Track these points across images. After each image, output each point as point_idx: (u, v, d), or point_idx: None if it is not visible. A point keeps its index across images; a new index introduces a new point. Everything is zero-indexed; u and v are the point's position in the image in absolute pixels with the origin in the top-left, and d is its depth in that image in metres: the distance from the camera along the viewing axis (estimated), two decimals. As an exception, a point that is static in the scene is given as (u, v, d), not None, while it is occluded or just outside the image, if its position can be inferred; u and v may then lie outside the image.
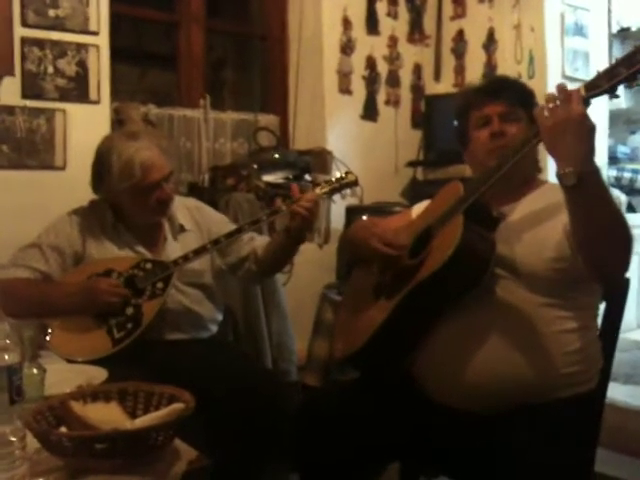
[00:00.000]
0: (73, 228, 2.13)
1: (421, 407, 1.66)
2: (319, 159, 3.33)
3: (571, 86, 1.44)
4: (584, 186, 1.37)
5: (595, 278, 1.58)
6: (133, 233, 2.16)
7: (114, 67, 2.94)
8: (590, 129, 1.38)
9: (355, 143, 3.56)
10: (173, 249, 2.17)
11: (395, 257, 1.70)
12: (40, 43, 2.70)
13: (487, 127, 1.70)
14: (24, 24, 2.65)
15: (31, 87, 2.69)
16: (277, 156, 3.24)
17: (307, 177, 3.19)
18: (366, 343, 1.70)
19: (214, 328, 2.26)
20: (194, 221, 2.25)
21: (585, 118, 1.37)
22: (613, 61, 1.40)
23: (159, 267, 2.08)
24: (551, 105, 1.40)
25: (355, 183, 2.13)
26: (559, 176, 1.39)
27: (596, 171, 1.39)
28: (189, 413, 1.23)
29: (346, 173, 2.14)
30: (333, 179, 2.14)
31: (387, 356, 1.74)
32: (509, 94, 1.71)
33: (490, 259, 1.55)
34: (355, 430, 1.64)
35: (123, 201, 2.11)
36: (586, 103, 1.41)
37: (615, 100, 4.37)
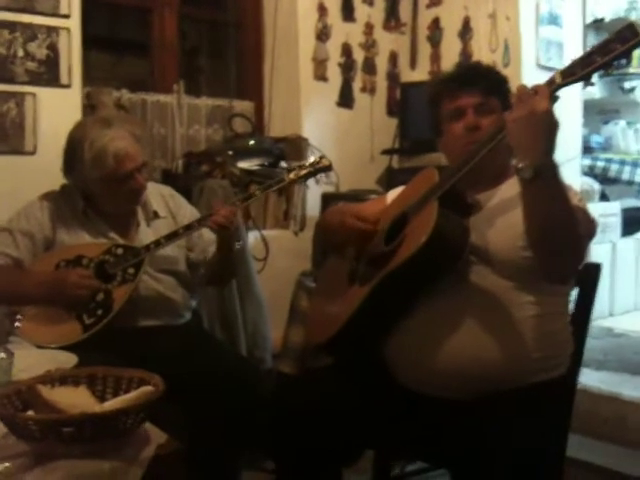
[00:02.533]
0: (44, 213, 2.09)
1: (395, 393, 1.67)
2: (294, 146, 3.31)
3: (544, 75, 1.44)
4: (540, 181, 1.38)
5: (544, 275, 1.57)
6: (105, 219, 2.13)
7: (88, 54, 2.89)
8: (552, 126, 1.39)
9: (331, 130, 3.54)
10: (146, 236, 2.14)
11: (370, 236, 1.70)
12: (10, 26, 2.64)
13: (461, 119, 1.67)
14: (-6, 6, 2.60)
15: (1, 70, 2.63)
16: (252, 143, 3.23)
17: (282, 164, 3.17)
18: (340, 330, 1.70)
19: (188, 315, 2.24)
20: (168, 209, 2.23)
21: (548, 114, 1.38)
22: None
23: (130, 252, 2.05)
24: (518, 99, 1.40)
25: (329, 168, 2.12)
26: (516, 169, 1.40)
27: (553, 167, 1.40)
28: (158, 396, 1.22)
29: (320, 158, 2.14)
30: (307, 164, 2.13)
31: (361, 342, 1.74)
32: (484, 83, 1.68)
33: (464, 245, 1.55)
34: (330, 417, 1.64)
35: (95, 189, 2.07)
36: (553, 99, 1.41)
37: (589, 90, 4.42)
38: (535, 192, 1.40)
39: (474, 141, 1.62)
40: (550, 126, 1.39)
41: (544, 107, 1.37)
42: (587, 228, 1.55)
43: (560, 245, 1.45)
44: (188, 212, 2.25)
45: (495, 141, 1.52)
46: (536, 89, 1.40)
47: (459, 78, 1.73)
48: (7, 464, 1.14)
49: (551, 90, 1.41)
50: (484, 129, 1.64)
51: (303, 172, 2.10)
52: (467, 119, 1.66)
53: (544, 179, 1.38)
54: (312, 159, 2.14)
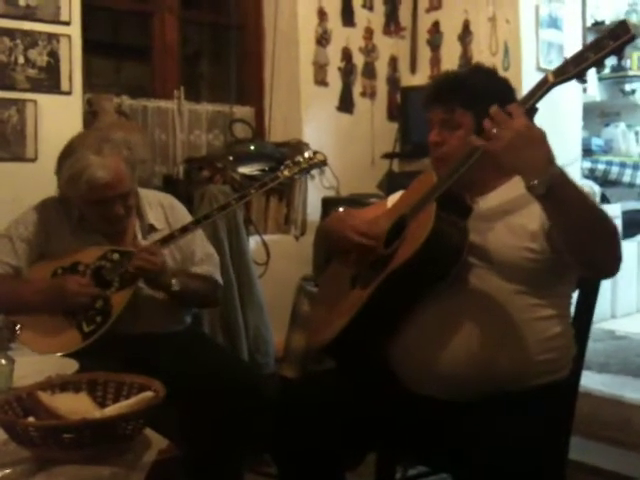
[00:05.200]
0: (40, 221, 2.09)
1: (397, 396, 1.66)
2: (295, 151, 3.31)
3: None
4: (555, 191, 1.37)
5: (590, 277, 1.60)
6: (100, 231, 2.10)
7: (90, 60, 2.90)
8: (539, 137, 1.39)
9: (331, 135, 3.54)
10: None
11: (371, 246, 1.70)
12: (10, 33, 2.65)
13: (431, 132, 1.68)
14: (-6, 14, 2.61)
15: (1, 77, 2.64)
16: (253, 148, 3.23)
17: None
18: (341, 332, 1.70)
19: (188, 320, 2.24)
20: (166, 221, 2.19)
21: (529, 129, 1.38)
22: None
23: (126, 257, 2.03)
24: (494, 129, 1.40)
25: (323, 163, 2.12)
26: (528, 189, 1.39)
27: (561, 174, 1.39)
28: (159, 402, 1.22)
29: (314, 153, 2.13)
30: (301, 159, 2.12)
31: (363, 345, 1.74)
32: (450, 98, 1.64)
33: (463, 247, 1.55)
34: (332, 420, 1.64)
35: (76, 204, 2.06)
36: (533, 111, 1.42)
37: (589, 93, 4.42)
38: (555, 203, 1.40)
39: (438, 157, 1.65)
40: (537, 137, 1.39)
41: (521, 124, 1.38)
42: None
43: (599, 243, 1.44)
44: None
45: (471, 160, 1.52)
46: (509, 111, 1.40)
47: (428, 92, 1.72)
48: (7, 470, 1.14)
49: (526, 107, 1.42)
50: (446, 147, 1.64)
51: (297, 168, 2.09)
52: (432, 134, 1.66)
53: (557, 188, 1.37)
54: (306, 154, 2.13)
